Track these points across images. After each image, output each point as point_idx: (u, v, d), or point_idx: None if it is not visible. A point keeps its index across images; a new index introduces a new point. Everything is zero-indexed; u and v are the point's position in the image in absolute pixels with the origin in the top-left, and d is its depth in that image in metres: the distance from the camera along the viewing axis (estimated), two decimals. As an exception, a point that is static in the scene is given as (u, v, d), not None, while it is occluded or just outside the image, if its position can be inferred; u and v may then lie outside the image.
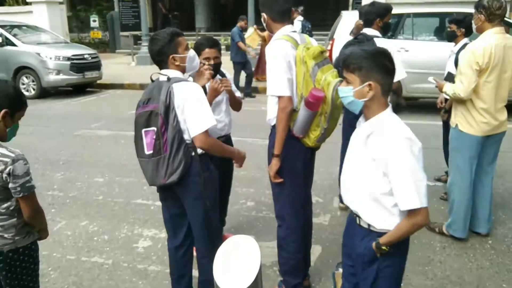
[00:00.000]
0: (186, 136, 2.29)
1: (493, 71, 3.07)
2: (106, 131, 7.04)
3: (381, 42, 3.42)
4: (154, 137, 2.27)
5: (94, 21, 16.46)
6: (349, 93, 1.79)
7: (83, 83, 10.63)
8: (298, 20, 11.14)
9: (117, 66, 14.12)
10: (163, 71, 2.36)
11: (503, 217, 3.84)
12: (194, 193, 2.38)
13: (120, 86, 11.24)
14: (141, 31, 14.98)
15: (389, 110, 1.80)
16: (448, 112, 4.09)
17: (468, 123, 3.23)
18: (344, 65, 1.81)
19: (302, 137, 2.50)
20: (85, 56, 10.52)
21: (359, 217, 1.88)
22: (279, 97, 2.44)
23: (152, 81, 2.39)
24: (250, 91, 9.69)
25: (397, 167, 1.69)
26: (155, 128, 2.26)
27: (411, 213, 1.72)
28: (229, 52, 10.05)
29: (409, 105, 8.19)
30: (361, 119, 1.91)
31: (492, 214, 3.54)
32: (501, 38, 3.07)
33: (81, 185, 4.78)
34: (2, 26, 10.31)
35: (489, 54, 3.01)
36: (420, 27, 7.86)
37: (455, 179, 3.39)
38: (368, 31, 3.61)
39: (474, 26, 3.30)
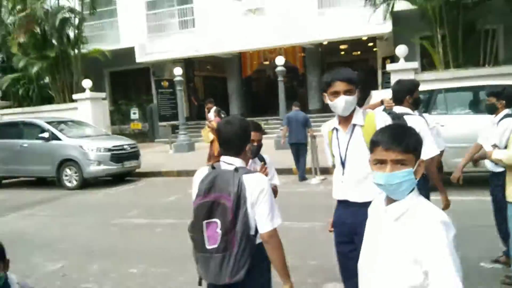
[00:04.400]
0: (251, 232, 2.16)
1: None
2: (143, 220, 7.05)
3: (412, 119, 3.31)
4: (219, 230, 2.10)
5: (134, 113, 17.53)
6: (410, 175, 1.56)
7: (122, 172, 10.96)
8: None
9: (155, 155, 14.61)
10: (229, 159, 2.23)
11: None
12: (252, 284, 2.20)
13: (158, 174, 11.48)
14: (178, 121, 15.73)
15: (416, 190, 1.64)
16: (476, 160, 3.81)
17: None
18: (399, 146, 1.55)
19: None
20: (125, 146, 10.96)
21: None
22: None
23: (213, 168, 2.25)
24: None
25: (437, 252, 1.47)
26: (217, 220, 2.11)
27: None
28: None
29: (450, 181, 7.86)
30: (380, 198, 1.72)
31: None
32: None
33: (115, 276, 4.66)
34: (50, 123, 11.06)
35: None
36: (453, 102, 7.80)
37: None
38: (398, 109, 3.56)
39: None
